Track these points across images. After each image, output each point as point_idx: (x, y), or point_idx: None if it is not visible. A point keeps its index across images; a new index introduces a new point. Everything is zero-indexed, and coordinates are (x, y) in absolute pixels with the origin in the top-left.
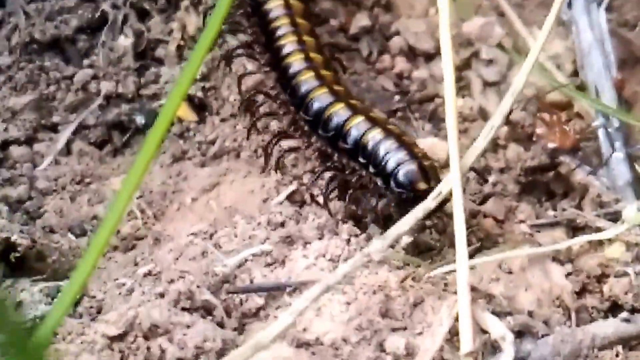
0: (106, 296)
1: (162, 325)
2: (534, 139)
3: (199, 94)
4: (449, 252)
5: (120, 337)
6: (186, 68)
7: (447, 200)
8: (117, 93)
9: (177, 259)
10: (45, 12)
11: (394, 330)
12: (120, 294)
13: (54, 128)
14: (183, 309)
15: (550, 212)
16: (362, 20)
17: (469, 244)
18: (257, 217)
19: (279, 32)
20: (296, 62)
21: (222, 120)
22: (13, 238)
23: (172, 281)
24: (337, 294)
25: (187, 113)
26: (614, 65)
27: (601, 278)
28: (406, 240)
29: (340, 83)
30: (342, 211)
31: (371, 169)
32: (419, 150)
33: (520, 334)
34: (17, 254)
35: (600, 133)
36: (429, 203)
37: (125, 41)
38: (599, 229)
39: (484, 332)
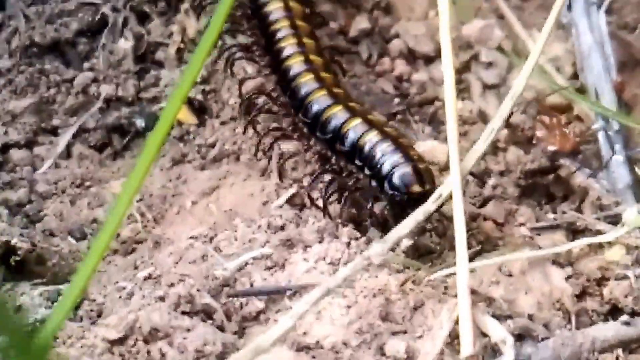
0: (106, 300)
1: (162, 329)
2: (534, 141)
3: (199, 97)
4: (449, 255)
5: (121, 341)
6: (187, 71)
7: (444, 202)
8: (117, 96)
9: (177, 262)
10: (46, 15)
11: (394, 333)
12: (120, 297)
13: (54, 131)
14: (183, 312)
15: (550, 215)
16: (361, 22)
17: (469, 247)
18: (257, 220)
19: (279, 35)
20: (296, 65)
21: (222, 123)
22: (13, 241)
23: (172, 285)
24: (338, 298)
25: (187, 116)
26: (614, 68)
27: (601, 281)
28: (406, 243)
29: (340, 86)
30: (342, 214)
31: (367, 171)
32: (414, 153)
33: (520, 337)
34: (17, 258)
35: (600, 136)
36: (429, 206)
37: (125, 44)
38: (599, 232)
39: (484, 335)
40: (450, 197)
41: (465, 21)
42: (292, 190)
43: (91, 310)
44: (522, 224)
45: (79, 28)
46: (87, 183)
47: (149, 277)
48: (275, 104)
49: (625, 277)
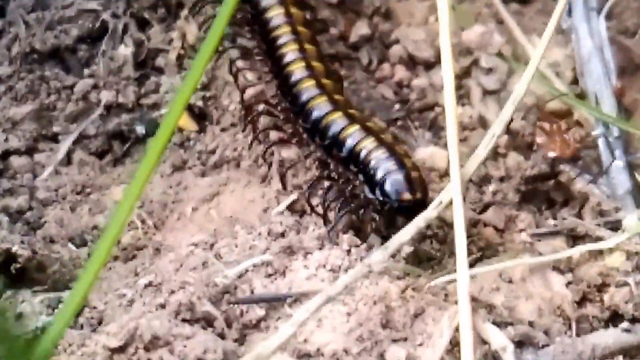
0: (107, 307)
1: (162, 336)
2: (534, 147)
3: (199, 103)
4: (450, 262)
5: (121, 349)
6: (188, 77)
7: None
8: (118, 102)
9: (178, 269)
10: (46, 21)
11: (394, 341)
12: (121, 304)
13: (54, 138)
14: (184, 320)
15: (551, 221)
16: (361, 28)
17: (470, 253)
18: (258, 227)
19: (280, 41)
20: (297, 71)
21: (223, 129)
22: (14, 249)
23: (172, 292)
24: (338, 305)
25: (187, 122)
26: (614, 73)
27: (601, 287)
28: (407, 250)
29: (340, 92)
30: (341, 221)
31: (361, 178)
32: (409, 161)
33: (520, 344)
34: (18, 265)
35: (600, 141)
36: (430, 212)
37: (125, 50)
38: (599, 238)
39: (485, 342)
40: (450, 203)
41: (465, 27)
42: (293, 196)
43: (92, 318)
44: (522, 230)
45: (79, 35)
46: (88, 190)
47: (149, 284)
48: (276, 110)
49: (626, 283)
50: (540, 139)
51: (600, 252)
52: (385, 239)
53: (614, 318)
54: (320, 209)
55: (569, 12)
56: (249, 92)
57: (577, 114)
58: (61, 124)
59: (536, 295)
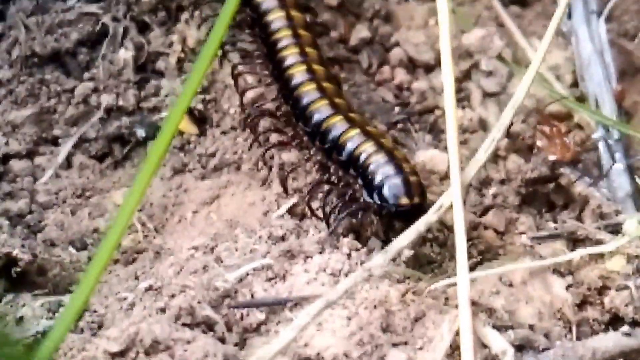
0: (107, 311)
1: (163, 341)
2: (535, 150)
3: (199, 106)
4: (450, 265)
5: (122, 354)
6: (188, 80)
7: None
8: (118, 106)
9: (178, 273)
10: (46, 25)
11: (395, 345)
12: (121, 308)
13: (54, 141)
14: (184, 324)
15: (551, 224)
16: (361, 31)
17: (470, 256)
18: (258, 230)
19: (281, 44)
20: (298, 74)
21: (223, 132)
22: (14, 253)
23: (173, 296)
24: (338, 309)
25: (187, 126)
26: (614, 76)
27: (602, 290)
28: (407, 253)
29: (342, 95)
30: (342, 225)
31: (360, 182)
32: (407, 166)
33: (521, 347)
34: (18, 269)
35: (601, 144)
36: (430, 216)
37: (125, 54)
38: (599, 241)
39: (485, 346)
40: (450, 206)
41: (465, 30)
42: (293, 200)
43: (92, 322)
44: (522, 233)
45: (79, 38)
46: (88, 193)
47: (150, 288)
48: (276, 113)
49: (626, 286)
50: (540, 142)
51: (600, 255)
52: (385, 242)
53: (615, 321)
54: (320, 213)
55: (569, 15)
56: (249, 95)
57: (577, 117)
58: (61, 127)
59: (536, 299)
